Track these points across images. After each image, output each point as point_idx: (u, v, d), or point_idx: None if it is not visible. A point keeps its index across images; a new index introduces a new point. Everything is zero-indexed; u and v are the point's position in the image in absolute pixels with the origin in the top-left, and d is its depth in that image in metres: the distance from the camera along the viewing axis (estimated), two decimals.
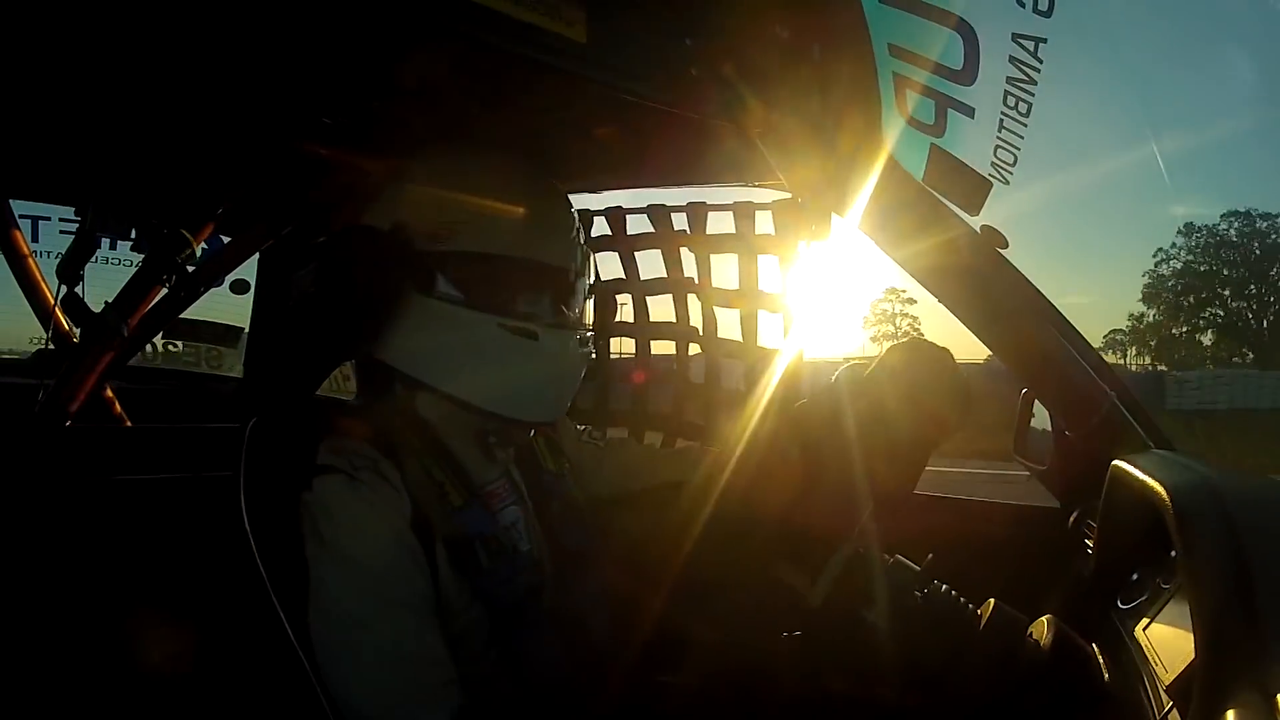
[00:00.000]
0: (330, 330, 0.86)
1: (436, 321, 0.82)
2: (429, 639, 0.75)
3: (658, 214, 1.33)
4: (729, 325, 1.33)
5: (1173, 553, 0.70)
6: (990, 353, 1.03)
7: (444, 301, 0.81)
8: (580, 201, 1.03)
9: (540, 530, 0.92)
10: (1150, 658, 0.67)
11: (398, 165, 0.91)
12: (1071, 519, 1.04)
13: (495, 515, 0.86)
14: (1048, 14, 0.67)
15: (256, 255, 1.62)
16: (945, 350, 0.81)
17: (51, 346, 1.76)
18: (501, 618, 0.82)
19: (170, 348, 2.43)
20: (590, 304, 0.94)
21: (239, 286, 1.76)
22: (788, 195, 1.11)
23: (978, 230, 0.95)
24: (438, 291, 0.81)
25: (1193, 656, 0.55)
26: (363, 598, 0.74)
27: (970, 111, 0.81)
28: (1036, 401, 1.17)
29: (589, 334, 0.90)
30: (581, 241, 0.90)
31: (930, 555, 0.80)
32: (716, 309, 1.34)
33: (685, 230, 1.31)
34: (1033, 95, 0.74)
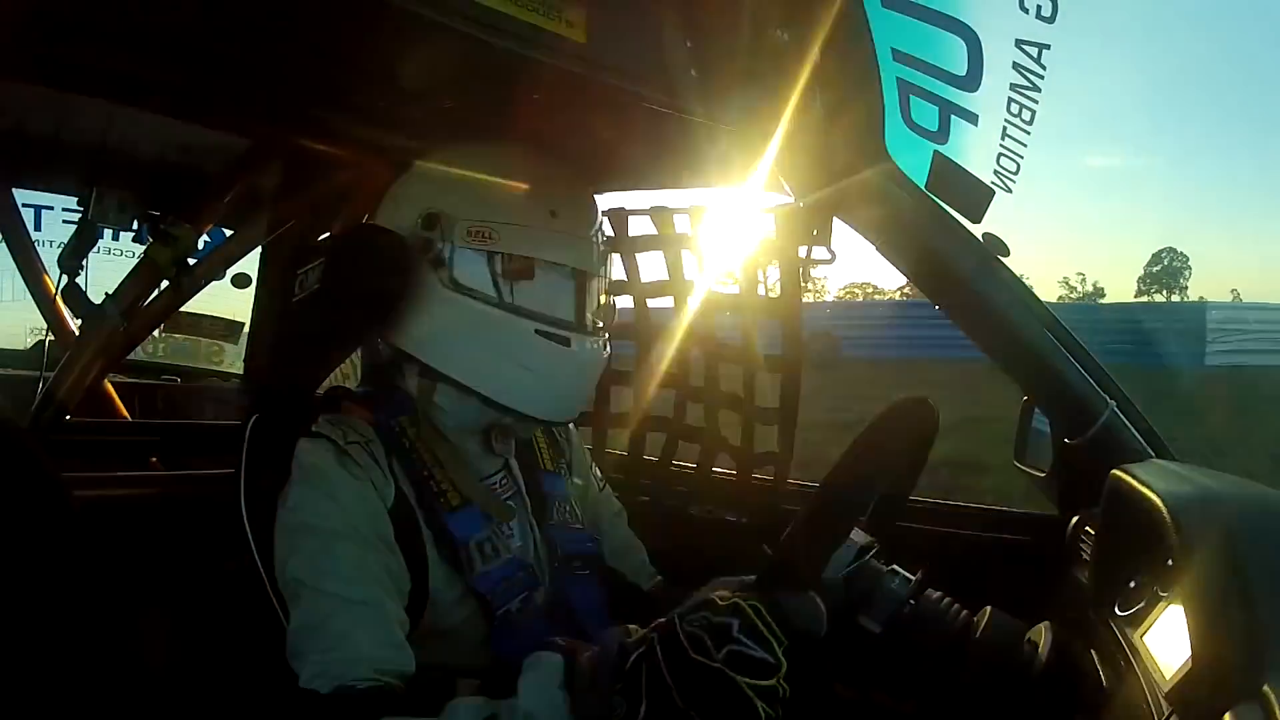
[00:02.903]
0: (337, 325, 0.86)
1: (467, 318, 0.83)
2: (383, 604, 0.74)
3: (659, 215, 1.33)
4: (729, 328, 1.33)
5: (1170, 560, 0.70)
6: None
7: (475, 299, 0.83)
8: None
9: (537, 528, 0.92)
10: (1148, 665, 0.66)
11: (420, 157, 0.91)
12: (1070, 526, 1.04)
13: (489, 511, 0.86)
14: (1051, 20, 0.67)
15: (259, 249, 1.62)
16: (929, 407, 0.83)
17: (51, 338, 1.76)
18: (496, 617, 0.81)
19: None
20: (607, 304, 0.95)
21: (240, 280, 1.76)
22: (789, 199, 1.11)
23: (979, 237, 0.95)
24: (467, 288, 0.83)
25: (1190, 664, 0.55)
26: (319, 562, 0.74)
27: (974, 118, 0.81)
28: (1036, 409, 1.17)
29: (607, 336, 0.92)
30: (600, 242, 0.91)
31: (926, 563, 0.80)
32: (716, 312, 1.34)
33: (686, 232, 1.31)
34: (1036, 102, 0.74)
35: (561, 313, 0.86)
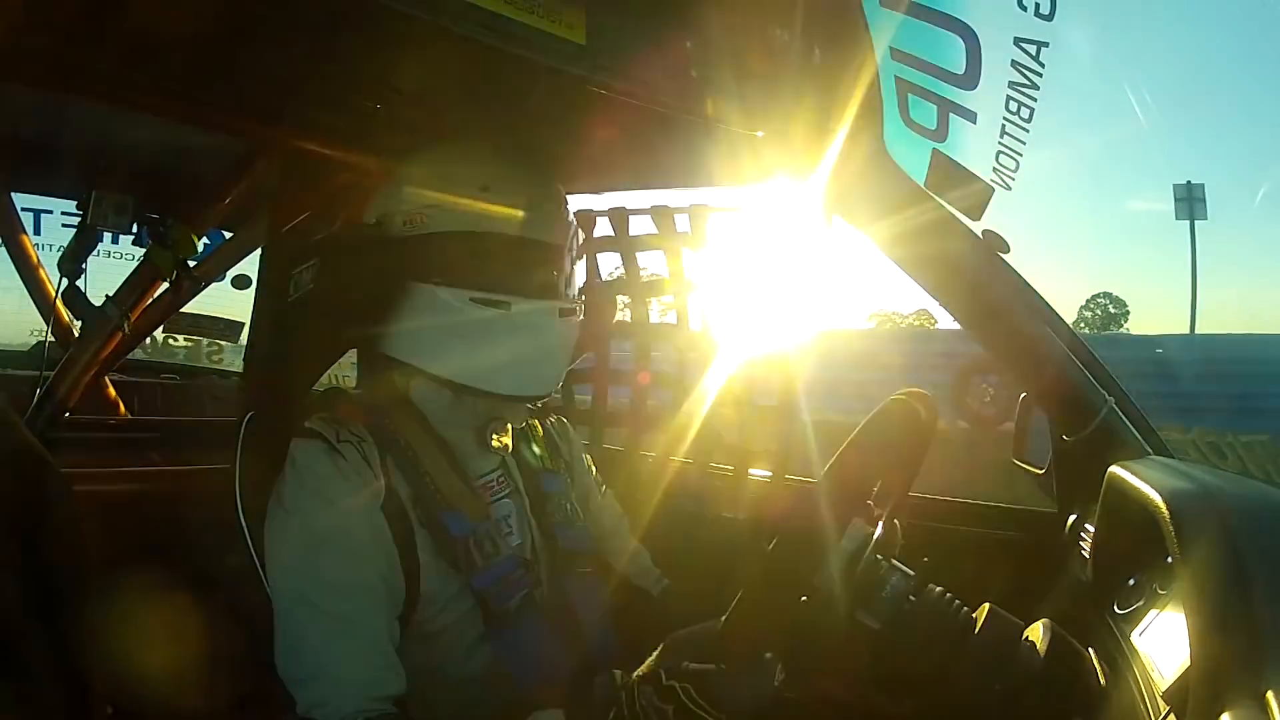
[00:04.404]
0: (329, 324, 0.87)
1: (421, 305, 0.83)
2: (372, 621, 0.75)
3: (660, 214, 1.33)
4: (728, 326, 1.33)
5: (1169, 558, 0.70)
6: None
7: (427, 284, 0.83)
8: (582, 201, 1.03)
9: (535, 526, 0.92)
10: (1146, 663, 0.66)
11: (391, 163, 0.92)
12: (1068, 524, 1.04)
13: (487, 509, 0.87)
14: (1049, 18, 0.67)
15: (259, 250, 1.62)
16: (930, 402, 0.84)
17: (52, 339, 1.76)
18: (494, 615, 0.82)
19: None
20: (575, 276, 0.92)
21: (240, 281, 1.76)
22: (789, 199, 1.11)
23: (979, 234, 0.95)
24: (420, 275, 0.83)
25: (1189, 662, 0.55)
26: (310, 572, 0.75)
27: (972, 116, 0.81)
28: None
29: (572, 305, 0.89)
30: (564, 216, 0.89)
31: (925, 559, 0.80)
32: (716, 310, 1.34)
33: (687, 231, 1.32)
34: (1035, 100, 0.74)
35: (506, 281, 0.83)
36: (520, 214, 0.84)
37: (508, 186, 0.85)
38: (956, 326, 1.02)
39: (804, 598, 0.74)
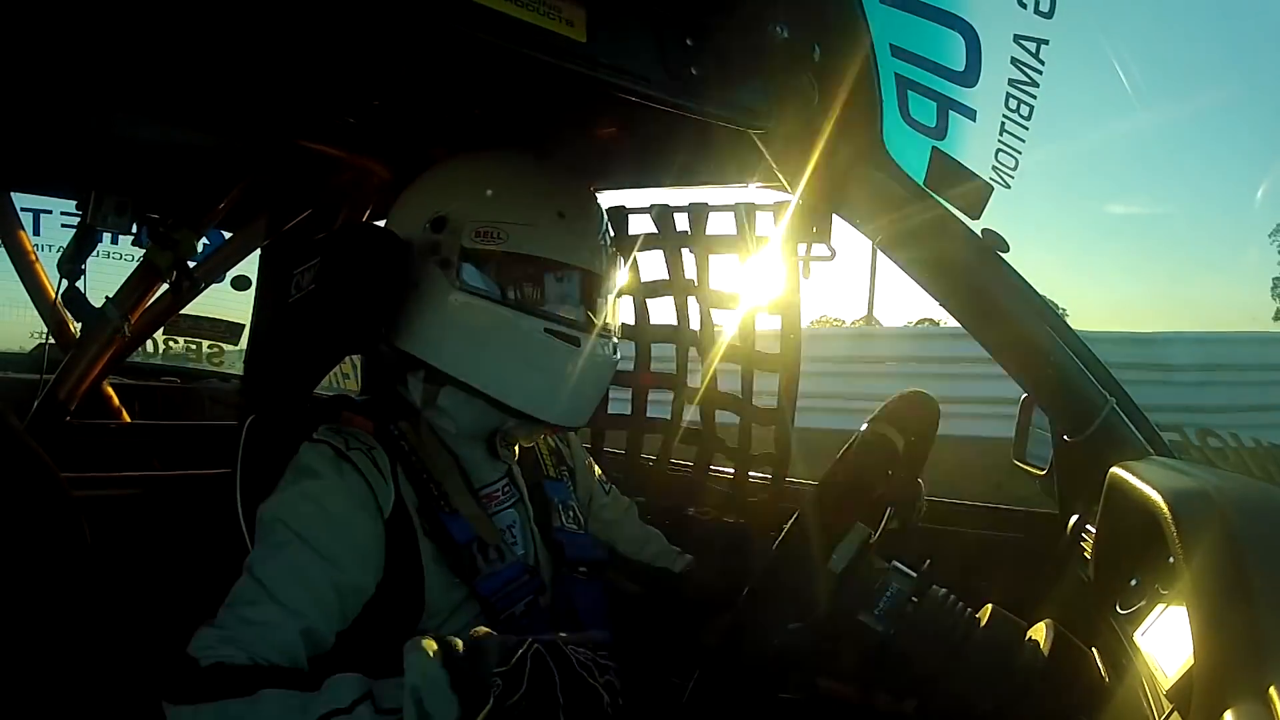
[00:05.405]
0: (335, 325, 0.86)
1: (476, 319, 0.82)
2: (300, 625, 0.71)
3: (660, 214, 1.33)
4: (728, 327, 1.33)
5: (1171, 559, 0.70)
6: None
7: (484, 299, 0.82)
8: None
9: (539, 535, 0.92)
10: (1149, 662, 0.66)
11: (431, 163, 0.91)
12: (1070, 524, 1.04)
13: (491, 518, 0.86)
14: (1049, 15, 0.66)
15: (258, 251, 1.62)
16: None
17: (52, 341, 1.76)
18: (499, 622, 0.81)
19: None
20: (614, 307, 0.94)
21: (240, 282, 1.76)
22: (788, 196, 1.11)
23: (979, 233, 0.95)
24: (476, 288, 0.82)
25: (1191, 661, 0.54)
26: (275, 549, 0.73)
27: (972, 114, 0.80)
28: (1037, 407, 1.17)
29: (616, 339, 0.91)
30: (608, 245, 0.90)
31: (928, 561, 0.80)
32: (716, 310, 1.34)
33: (686, 231, 1.31)
34: (1035, 98, 0.74)
35: (570, 313, 0.85)
36: (587, 246, 0.86)
37: (576, 214, 0.85)
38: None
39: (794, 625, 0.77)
